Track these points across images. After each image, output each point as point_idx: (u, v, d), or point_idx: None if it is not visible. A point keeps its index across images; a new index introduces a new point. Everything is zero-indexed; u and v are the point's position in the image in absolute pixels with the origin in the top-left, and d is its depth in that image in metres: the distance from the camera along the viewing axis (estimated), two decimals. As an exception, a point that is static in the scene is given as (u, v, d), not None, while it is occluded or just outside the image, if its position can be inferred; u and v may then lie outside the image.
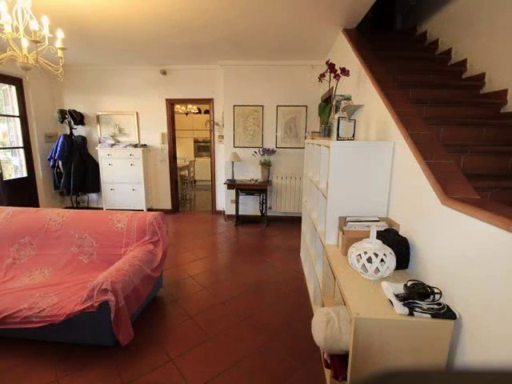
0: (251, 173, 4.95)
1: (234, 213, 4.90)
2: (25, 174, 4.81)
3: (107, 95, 5.17)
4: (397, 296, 1.26)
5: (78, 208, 5.31)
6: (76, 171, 4.95)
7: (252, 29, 3.27)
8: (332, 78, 2.53)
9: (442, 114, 2.29)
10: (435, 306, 1.18)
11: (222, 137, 5.11)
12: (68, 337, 1.95)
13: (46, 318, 1.83)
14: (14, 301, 1.93)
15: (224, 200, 5.20)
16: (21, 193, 4.69)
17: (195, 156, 8.53)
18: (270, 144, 4.88)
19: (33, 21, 2.03)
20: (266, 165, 4.72)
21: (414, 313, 1.17)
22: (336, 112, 2.46)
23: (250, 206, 5.11)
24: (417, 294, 1.23)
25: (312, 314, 2.34)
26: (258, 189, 4.66)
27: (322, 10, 2.76)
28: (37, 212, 2.61)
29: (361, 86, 2.64)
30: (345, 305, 1.55)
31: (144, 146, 5.18)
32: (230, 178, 4.80)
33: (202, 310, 2.43)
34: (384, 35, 3.82)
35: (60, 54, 2.33)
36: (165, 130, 5.24)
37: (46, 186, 5.12)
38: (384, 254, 1.41)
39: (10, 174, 4.69)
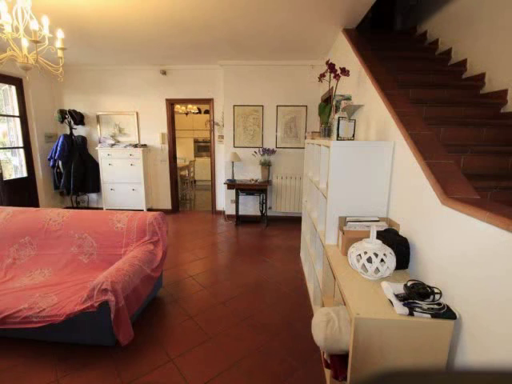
0: (251, 173, 4.95)
1: (234, 213, 4.90)
2: (25, 174, 4.81)
3: (107, 95, 5.17)
4: (397, 296, 1.26)
5: (77, 208, 5.31)
6: (76, 171, 4.95)
7: (252, 29, 3.27)
8: (332, 77, 2.53)
9: (442, 113, 2.29)
10: (435, 306, 1.18)
11: (221, 137, 5.11)
12: (68, 337, 1.95)
13: (46, 318, 1.83)
14: (14, 301, 1.93)
15: (224, 200, 5.20)
16: (21, 193, 4.69)
17: (195, 156, 8.53)
18: (269, 144, 4.88)
19: (33, 21, 2.03)
20: (266, 165, 4.72)
21: (414, 313, 1.17)
22: (336, 112, 2.45)
23: (249, 205, 5.11)
24: (417, 294, 1.23)
25: (312, 314, 2.33)
26: (258, 189, 4.66)
27: (321, 9, 2.76)
28: (37, 212, 2.61)
29: (361, 86, 2.64)
30: (345, 305, 1.55)
31: (144, 146, 5.18)
32: (230, 177, 4.80)
33: (202, 310, 2.43)
34: (384, 35, 3.82)
35: (60, 54, 2.32)
36: (165, 130, 5.24)
37: (46, 186, 5.12)
38: (384, 254, 1.41)
39: (10, 174, 4.69)
